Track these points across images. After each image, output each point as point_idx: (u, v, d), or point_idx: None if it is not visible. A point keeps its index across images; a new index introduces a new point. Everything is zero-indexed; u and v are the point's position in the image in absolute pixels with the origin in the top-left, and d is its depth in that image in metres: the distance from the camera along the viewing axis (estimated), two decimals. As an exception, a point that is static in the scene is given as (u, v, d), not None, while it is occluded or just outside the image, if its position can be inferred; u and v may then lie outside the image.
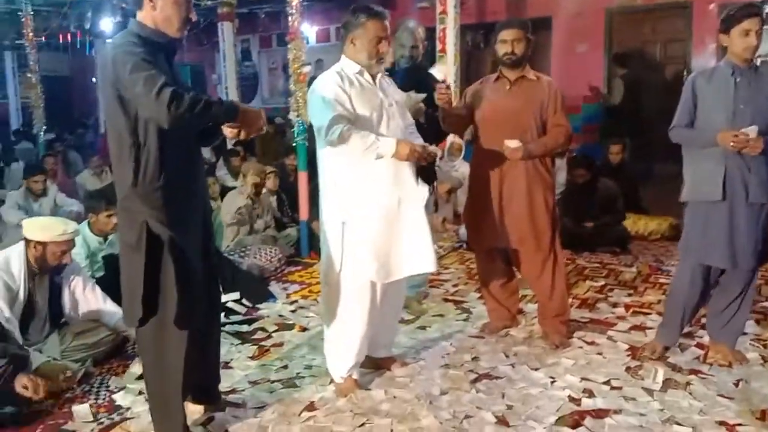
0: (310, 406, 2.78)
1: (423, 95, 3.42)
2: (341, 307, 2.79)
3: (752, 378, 2.92)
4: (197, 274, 2.42)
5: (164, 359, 2.40)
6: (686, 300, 3.08)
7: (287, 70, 5.50)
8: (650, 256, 5.10)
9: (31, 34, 7.83)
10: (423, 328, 3.66)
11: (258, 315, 3.96)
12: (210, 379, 2.73)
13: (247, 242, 4.81)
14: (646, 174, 6.75)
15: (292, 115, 5.21)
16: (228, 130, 2.38)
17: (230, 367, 3.20)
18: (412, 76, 3.56)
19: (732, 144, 2.77)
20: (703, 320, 3.33)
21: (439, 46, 7.66)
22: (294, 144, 5.26)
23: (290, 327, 3.74)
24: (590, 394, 2.83)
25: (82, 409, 2.78)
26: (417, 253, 2.74)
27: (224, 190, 5.69)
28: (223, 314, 3.81)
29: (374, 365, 3.07)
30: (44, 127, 8.11)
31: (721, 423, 2.56)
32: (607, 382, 2.93)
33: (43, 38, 8.97)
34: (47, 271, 3.09)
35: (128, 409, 2.80)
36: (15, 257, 3.05)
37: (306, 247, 5.13)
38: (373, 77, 2.76)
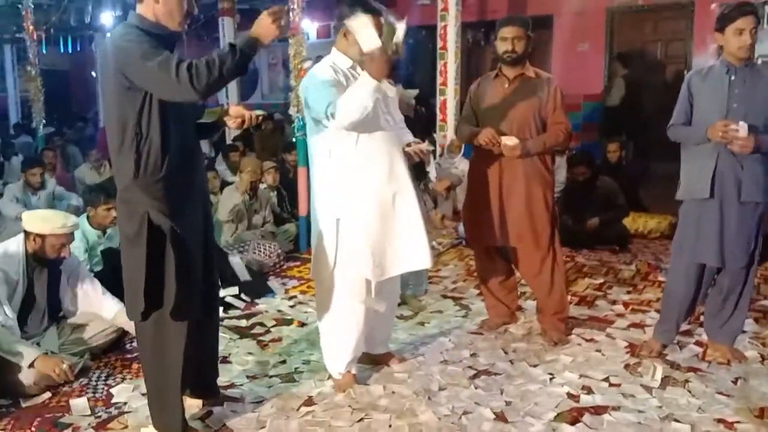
0: (309, 401, 2.78)
1: (416, 91, 3.42)
2: (335, 303, 2.77)
3: (751, 376, 2.92)
4: (197, 266, 2.41)
5: (163, 353, 2.39)
6: (682, 298, 3.08)
7: (287, 66, 5.49)
8: (649, 254, 5.10)
9: (31, 27, 7.81)
10: (422, 324, 3.66)
11: (257, 310, 3.96)
12: (209, 373, 2.73)
13: (246, 237, 4.81)
14: (645, 172, 6.75)
15: (291, 111, 5.20)
16: (231, 122, 2.37)
17: (229, 362, 3.20)
18: (396, 71, 3.54)
19: (721, 135, 2.77)
20: (702, 318, 3.32)
21: (440, 44, 7.65)
22: (294, 140, 5.26)
23: (289, 322, 3.74)
24: (589, 390, 2.83)
25: (79, 403, 2.78)
26: (412, 249, 2.72)
27: (224, 185, 5.68)
28: (222, 309, 3.81)
29: (372, 361, 3.07)
30: (43, 121, 8.08)
31: (720, 420, 2.56)
32: (605, 379, 2.93)
33: (43, 35, 8.93)
34: (46, 264, 3.08)
35: (125, 403, 2.79)
36: (14, 249, 3.04)
37: (305, 242, 5.11)
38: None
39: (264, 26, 2.19)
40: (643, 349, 3.20)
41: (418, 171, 3.54)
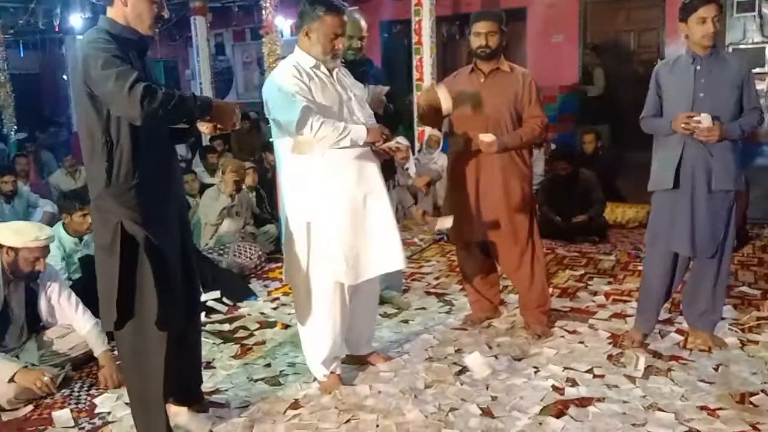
0: (295, 404, 2.76)
1: (387, 88, 3.40)
2: (312, 307, 2.75)
3: (731, 362, 2.96)
4: (176, 274, 2.39)
5: (144, 362, 2.36)
6: (659, 287, 3.12)
7: (262, 64, 5.46)
8: (628, 244, 5.15)
9: (-2, 30, 7.66)
10: (406, 321, 3.66)
11: (239, 313, 3.93)
12: (192, 379, 2.70)
13: (226, 240, 4.76)
14: (622, 162, 6.82)
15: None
16: (204, 126, 2.35)
17: (212, 367, 3.17)
18: (360, 68, 3.51)
19: (683, 126, 2.80)
20: (681, 306, 3.36)
21: (414, 38, 7.64)
22: (271, 139, 5.21)
23: (272, 324, 3.71)
24: (573, 383, 2.85)
25: (62, 415, 2.74)
26: (385, 250, 2.71)
27: (203, 187, 5.63)
28: (203, 313, 3.78)
29: (357, 361, 3.06)
30: (15, 127, 7.94)
31: (702, 408, 2.60)
32: (589, 371, 2.95)
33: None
34: (22, 277, 3.01)
35: (109, 413, 2.76)
36: (-13, 262, 2.97)
37: (286, 243, 5.09)
38: (330, 71, 2.70)
39: (224, 110, 2.29)
40: (625, 339, 3.23)
41: (386, 170, 3.53)
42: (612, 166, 6.31)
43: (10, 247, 2.93)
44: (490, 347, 3.26)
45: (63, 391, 2.94)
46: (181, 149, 7.60)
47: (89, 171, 2.29)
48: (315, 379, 2.90)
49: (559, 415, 2.59)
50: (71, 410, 2.78)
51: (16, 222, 3.49)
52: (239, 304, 4.05)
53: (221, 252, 4.55)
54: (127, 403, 2.60)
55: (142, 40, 2.30)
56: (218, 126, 2.32)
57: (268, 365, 3.18)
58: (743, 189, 4.85)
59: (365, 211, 2.68)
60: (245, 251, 4.64)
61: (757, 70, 7.68)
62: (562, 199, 5.31)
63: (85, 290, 3.26)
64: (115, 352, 2.82)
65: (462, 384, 2.87)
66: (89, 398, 2.89)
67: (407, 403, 2.71)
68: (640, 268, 4.41)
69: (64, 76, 12.21)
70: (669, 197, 2.98)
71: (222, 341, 3.50)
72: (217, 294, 3.98)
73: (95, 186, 2.26)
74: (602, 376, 2.90)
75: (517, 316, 3.58)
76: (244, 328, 3.69)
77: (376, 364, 3.06)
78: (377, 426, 2.55)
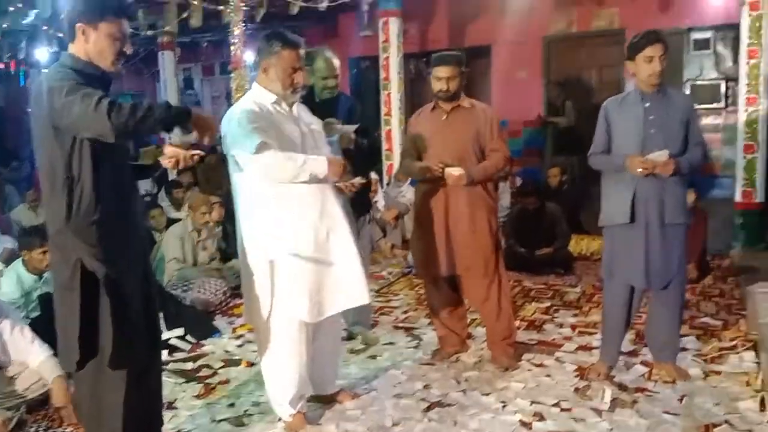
0: (259, 445, 2.70)
1: (355, 126, 3.44)
2: (275, 346, 2.70)
3: (695, 393, 2.99)
4: (136, 312, 2.33)
5: (103, 403, 2.30)
6: (619, 319, 3.16)
7: (230, 99, 5.46)
8: (593, 275, 5.19)
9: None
10: (374, 357, 3.62)
11: (203, 351, 3.85)
12: (153, 421, 2.61)
13: (190, 275, 4.67)
14: (585, 195, 6.94)
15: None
16: (166, 161, 2.33)
17: (174, 407, 3.09)
18: (337, 106, 3.55)
19: (639, 171, 2.89)
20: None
21: (383, 74, 7.74)
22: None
23: (237, 363, 3.64)
24: (541, 417, 2.84)
25: (14, 461, 2.63)
26: (349, 286, 2.69)
27: (168, 222, 5.54)
28: (166, 352, 3.69)
29: (324, 400, 3.01)
30: (-25, 162, 7.76)
31: (668, 440, 2.61)
32: (556, 404, 2.95)
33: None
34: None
35: (65, 457, 2.66)
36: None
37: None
38: (289, 107, 2.70)
39: (204, 120, 2.24)
40: (591, 372, 3.25)
41: (361, 204, 3.55)
42: (576, 200, 6.42)
43: None
44: (458, 382, 3.24)
45: (17, 435, 2.84)
46: (147, 183, 7.51)
47: (49, 207, 2.25)
48: (280, 419, 2.84)
49: (526, 451, 2.57)
50: (25, 456, 2.67)
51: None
52: (203, 341, 3.97)
53: (185, 288, 4.46)
54: (83, 447, 2.51)
55: (104, 76, 2.28)
56: (181, 161, 2.31)
57: (232, 405, 3.10)
58: (702, 221, 5.00)
59: (328, 246, 2.66)
60: (210, 287, 4.55)
61: (714, 105, 7.96)
62: (528, 232, 5.38)
63: (44, 328, 3.16)
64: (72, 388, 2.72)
65: (430, 420, 2.84)
66: (44, 442, 2.79)
67: (374, 441, 2.67)
68: (605, 300, 4.49)
69: (29, 109, 12.05)
70: (622, 231, 3.04)
71: (185, 380, 3.42)
72: (180, 331, 3.91)
73: (55, 222, 2.21)
74: (569, 410, 2.90)
75: (484, 349, 3.57)
76: (208, 366, 3.61)
77: (342, 402, 3.01)
78: (343, 466, 2.51)
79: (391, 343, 3.83)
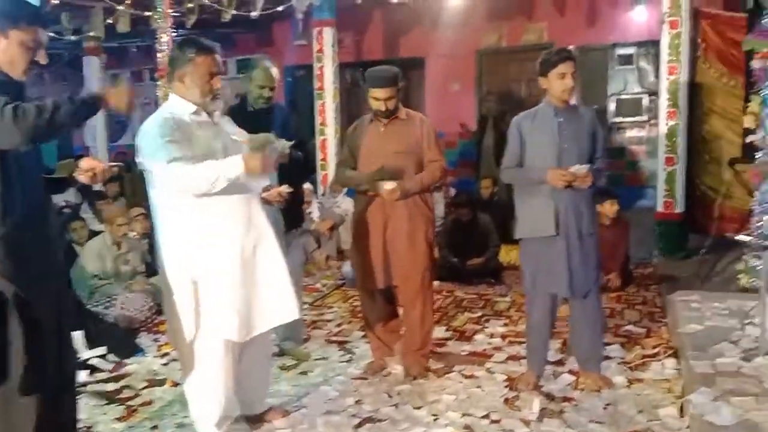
0: (183, 469, 2.60)
1: (291, 143, 3.40)
2: (199, 367, 2.59)
3: (619, 401, 3.06)
4: (49, 333, 2.20)
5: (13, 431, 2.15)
6: (544, 327, 3.23)
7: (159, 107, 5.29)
8: (522, 285, 5.28)
9: None
10: (305, 373, 3.56)
11: (126, 371, 3.68)
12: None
13: (113, 291, 4.48)
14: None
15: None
16: (82, 176, 2.22)
17: (94, 432, 2.94)
18: (271, 117, 3.49)
19: (561, 183, 2.98)
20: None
21: (317, 84, 7.70)
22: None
23: (161, 383, 3.49)
24: (470, 429, 2.85)
25: None
26: (278, 302, 2.63)
27: (92, 235, 5.31)
28: (86, 372, 3.52)
29: (253, 419, 2.92)
30: None
31: (593, 449, 2.66)
32: (486, 416, 2.97)
33: None
34: None
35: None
36: None
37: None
38: (210, 115, 2.60)
39: (118, 93, 2.16)
40: (520, 382, 3.28)
41: (293, 215, 3.49)
42: (506, 210, 6.52)
43: None
44: (390, 396, 3.22)
45: None
46: (71, 194, 7.19)
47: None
48: (205, 441, 2.74)
49: (456, 465, 2.57)
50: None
51: None
52: (126, 360, 3.80)
53: (107, 304, 4.27)
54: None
55: (15, 84, 2.16)
56: (99, 175, 2.20)
57: (155, 427, 2.98)
58: (624, 230, 5.18)
59: (255, 261, 2.59)
60: (134, 303, 4.36)
61: (637, 118, 8.29)
62: (461, 242, 5.44)
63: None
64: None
65: (360, 437, 2.81)
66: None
67: (303, 460, 2.61)
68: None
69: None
70: (543, 243, 3.11)
71: (105, 402, 3.26)
72: (102, 350, 3.73)
73: None
74: (498, 421, 2.92)
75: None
76: (130, 387, 3.45)
77: (272, 421, 2.93)
78: (270, 488, 2.44)
79: (323, 358, 3.78)
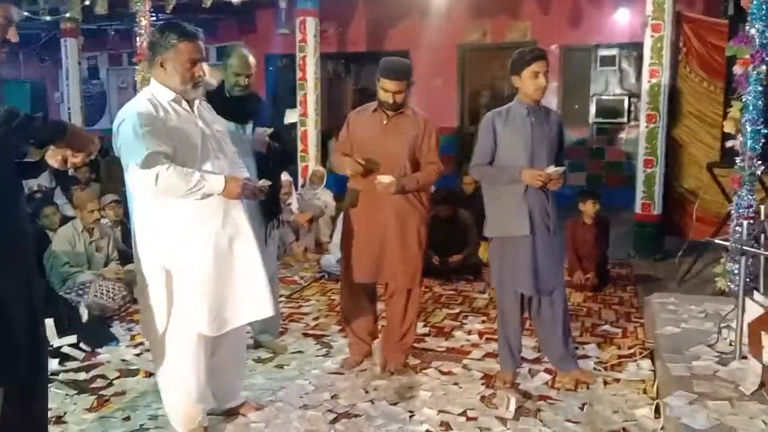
0: (155, 462, 2.55)
1: (270, 130, 3.35)
2: (171, 359, 2.55)
3: (595, 401, 3.08)
4: (17, 322, 2.13)
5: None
6: (516, 326, 3.24)
7: (137, 91, 5.18)
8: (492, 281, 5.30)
9: None
10: (281, 366, 3.52)
11: (98, 360, 3.61)
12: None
13: (86, 278, 4.37)
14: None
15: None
16: (52, 160, 2.15)
17: (64, 422, 2.88)
18: (247, 105, 3.44)
19: (537, 183, 3.00)
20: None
21: (299, 74, 7.63)
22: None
23: (134, 373, 3.43)
24: (447, 426, 2.84)
25: None
26: (253, 297, 2.58)
27: (65, 221, 5.19)
28: (56, 361, 3.45)
29: (227, 413, 2.88)
30: None
31: (569, 448, 2.67)
32: (463, 413, 2.96)
33: None
34: None
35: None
36: None
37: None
38: (190, 104, 2.54)
39: (81, 138, 2.10)
40: (497, 379, 3.28)
41: (270, 208, 3.44)
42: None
43: None
44: (366, 391, 3.19)
45: None
46: (44, 179, 7.03)
47: None
48: (178, 434, 2.69)
49: (432, 462, 2.55)
50: None
51: None
52: (98, 350, 3.72)
53: (80, 292, 4.18)
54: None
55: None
56: (69, 159, 2.13)
57: (127, 418, 2.92)
58: (604, 230, 5.21)
59: (231, 255, 2.54)
60: (108, 291, 4.27)
61: (618, 120, 8.36)
62: (440, 238, 5.40)
63: None
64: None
65: (336, 432, 2.78)
66: None
67: (278, 455, 2.57)
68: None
69: None
70: (514, 241, 3.11)
71: (76, 392, 3.19)
72: (73, 339, 3.65)
73: None
74: (475, 419, 2.91)
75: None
76: (103, 377, 3.38)
77: (246, 415, 2.89)
78: (244, 483, 2.40)
79: (299, 352, 3.74)
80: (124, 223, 5.14)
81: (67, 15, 7.95)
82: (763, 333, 2.70)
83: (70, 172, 6.75)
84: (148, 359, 3.56)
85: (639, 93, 6.46)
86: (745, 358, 2.95)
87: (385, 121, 3.29)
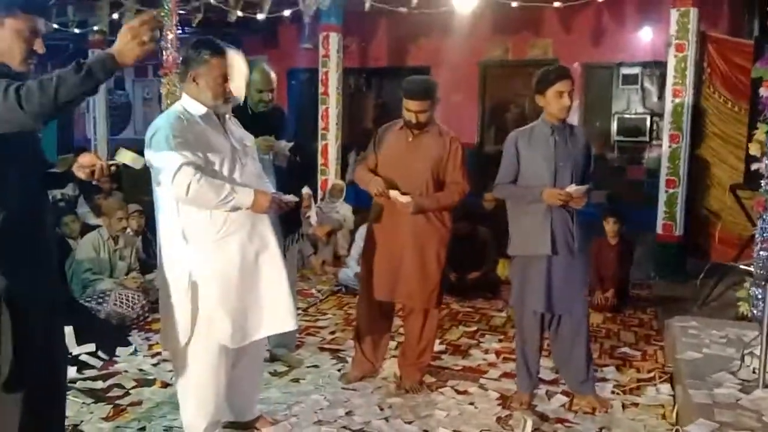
0: (169, 474, 2.55)
1: (291, 144, 3.37)
2: (192, 370, 2.55)
3: (613, 425, 3.03)
4: (40, 329, 2.16)
5: (-1, 429, 2.11)
6: (535, 347, 3.20)
7: (161, 103, 5.27)
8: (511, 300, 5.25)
9: None
10: (296, 380, 3.51)
11: (115, 369, 3.63)
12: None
13: (106, 287, 4.41)
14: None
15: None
16: (80, 172, 2.18)
17: (80, 431, 2.89)
18: (270, 120, 3.47)
19: (557, 202, 2.97)
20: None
21: (321, 89, 7.69)
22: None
23: (151, 383, 3.44)
24: (462, 447, 2.81)
25: None
26: (276, 311, 2.59)
27: (86, 229, 5.26)
28: (75, 369, 3.47)
29: (242, 426, 2.88)
30: None
31: (586, 473, 2.62)
32: (478, 434, 2.93)
33: None
34: None
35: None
36: None
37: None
38: (220, 118, 2.57)
39: (123, 42, 1.88)
40: (514, 401, 3.25)
41: (290, 221, 3.45)
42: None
43: None
44: (381, 409, 3.18)
45: None
46: (68, 187, 7.14)
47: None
48: (193, 446, 2.69)
49: (447, 483, 2.53)
50: None
51: None
52: (116, 359, 3.75)
53: (100, 300, 4.21)
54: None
55: (17, 76, 2.11)
56: (97, 171, 2.16)
57: (143, 429, 2.93)
58: (628, 249, 5.16)
59: (257, 268, 2.55)
60: (127, 300, 4.31)
61: (639, 138, 8.28)
62: (458, 255, 5.37)
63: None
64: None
65: (350, 449, 2.77)
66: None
67: (291, 471, 2.56)
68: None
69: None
70: (536, 261, 3.08)
71: (93, 401, 3.21)
72: (91, 347, 3.68)
73: None
74: (491, 440, 2.88)
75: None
76: (120, 386, 3.40)
77: (261, 429, 2.89)
78: (257, 498, 2.39)
79: (315, 366, 3.73)
80: (145, 233, 5.20)
81: (95, 28, 8.10)
82: (787, 361, 2.65)
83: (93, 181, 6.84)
84: (165, 369, 3.60)
85: (661, 112, 6.40)
86: (768, 386, 2.89)
87: (410, 139, 3.29)
